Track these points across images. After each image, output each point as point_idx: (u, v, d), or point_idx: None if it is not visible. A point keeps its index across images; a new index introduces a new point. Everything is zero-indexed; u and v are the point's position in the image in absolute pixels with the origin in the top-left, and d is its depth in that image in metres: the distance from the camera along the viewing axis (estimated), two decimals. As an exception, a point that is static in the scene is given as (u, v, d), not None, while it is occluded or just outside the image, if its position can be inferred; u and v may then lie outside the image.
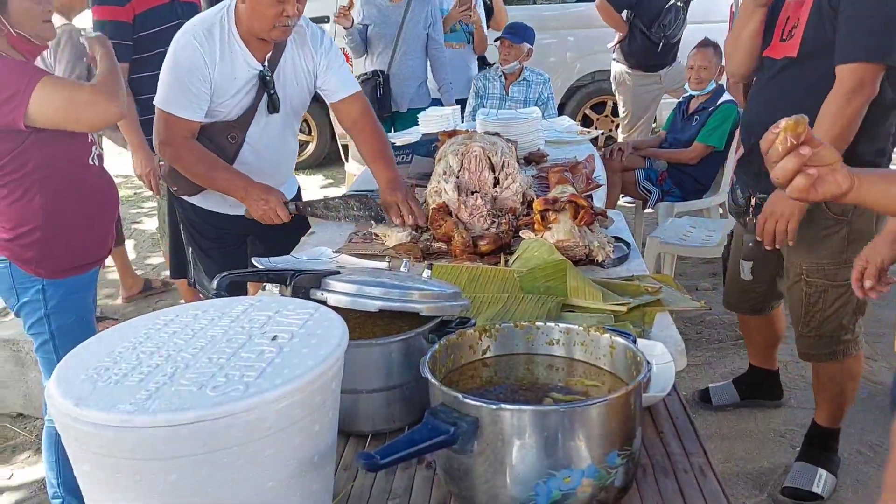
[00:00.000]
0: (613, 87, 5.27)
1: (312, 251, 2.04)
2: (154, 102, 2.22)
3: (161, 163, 2.34)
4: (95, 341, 0.98)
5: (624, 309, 1.65)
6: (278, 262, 1.94)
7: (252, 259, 1.96)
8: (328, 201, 2.24)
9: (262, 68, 2.23)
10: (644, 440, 1.17)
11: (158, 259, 4.83)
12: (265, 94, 2.27)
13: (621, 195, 4.31)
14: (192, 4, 3.38)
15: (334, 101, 2.40)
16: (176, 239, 2.64)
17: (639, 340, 1.40)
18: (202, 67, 2.14)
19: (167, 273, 4.42)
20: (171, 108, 2.17)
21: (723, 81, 4.04)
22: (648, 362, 1.04)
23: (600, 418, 0.95)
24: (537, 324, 1.20)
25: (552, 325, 1.20)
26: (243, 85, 2.23)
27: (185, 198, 2.39)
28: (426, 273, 1.53)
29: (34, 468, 2.80)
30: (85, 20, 3.59)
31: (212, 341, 0.96)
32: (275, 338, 0.96)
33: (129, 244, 5.30)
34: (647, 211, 4.34)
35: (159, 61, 2.25)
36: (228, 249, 2.46)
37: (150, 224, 5.34)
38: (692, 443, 1.17)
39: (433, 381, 1.01)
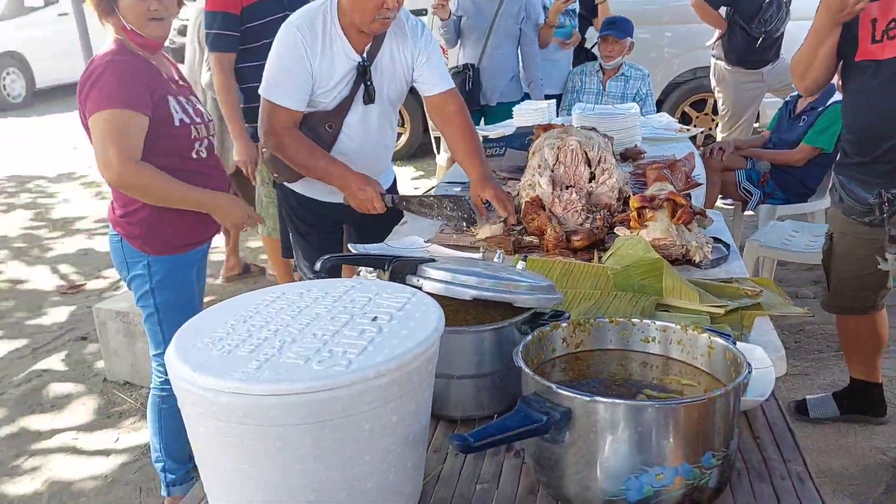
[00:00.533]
0: (713, 84, 5.11)
1: (405, 240, 2.08)
2: (259, 92, 2.31)
3: (264, 150, 2.43)
4: (210, 314, 1.04)
5: (721, 311, 1.61)
6: (372, 248, 1.99)
7: (349, 245, 2.02)
8: (423, 199, 2.29)
9: (360, 59, 2.28)
10: (739, 444, 1.14)
11: (256, 243, 5.03)
12: (362, 85, 2.32)
13: (719, 196, 4.18)
14: None
15: (429, 95, 2.43)
16: (285, 222, 2.75)
17: (738, 343, 1.36)
18: (304, 59, 2.21)
19: (264, 257, 4.61)
20: (274, 98, 2.25)
21: (834, 81, 3.85)
22: (749, 364, 1.02)
23: (696, 418, 0.94)
24: (633, 320, 1.19)
25: (648, 322, 1.19)
26: (342, 76, 2.28)
27: (286, 184, 2.48)
28: (520, 265, 1.54)
29: (138, 434, 2.98)
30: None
31: (316, 318, 1.00)
32: (375, 318, 0.99)
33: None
34: (746, 213, 4.19)
35: (265, 51, 2.33)
36: (325, 235, 2.53)
37: (250, 209, 5.56)
38: (790, 450, 1.13)
39: (526, 370, 1.02)
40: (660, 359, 1.17)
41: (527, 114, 3.64)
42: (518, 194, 2.31)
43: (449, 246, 2.10)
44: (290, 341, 0.94)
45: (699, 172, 2.80)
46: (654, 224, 1.91)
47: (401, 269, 1.26)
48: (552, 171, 2.28)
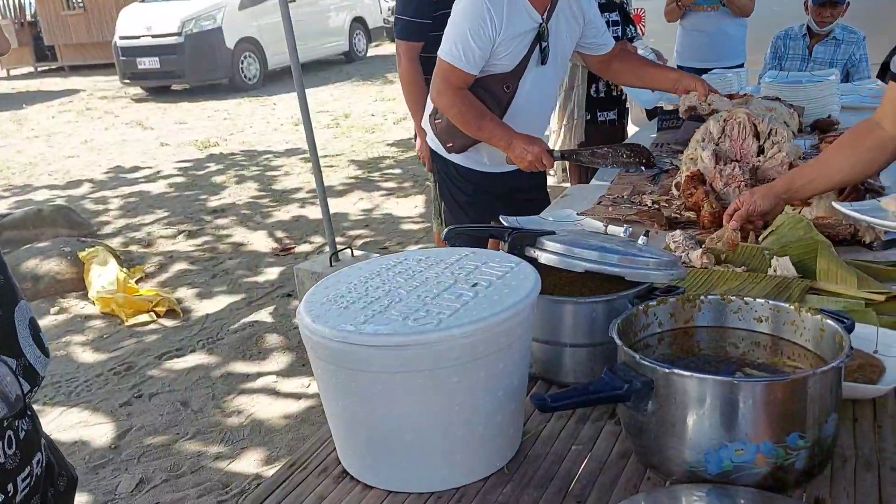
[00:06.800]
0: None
1: (558, 213, 2.13)
2: (438, 53, 2.35)
3: (438, 120, 2.52)
4: (339, 275, 1.20)
5: (881, 297, 1.50)
6: (525, 221, 2.07)
7: (500, 217, 2.11)
8: (595, 150, 2.29)
9: (542, 20, 2.34)
10: (857, 432, 1.10)
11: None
12: (538, 46, 2.38)
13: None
14: None
15: (591, 55, 2.58)
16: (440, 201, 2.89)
17: (882, 331, 1.28)
18: (487, 26, 2.26)
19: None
20: (453, 59, 2.30)
21: None
22: (851, 349, 0.98)
23: (781, 398, 0.93)
24: (746, 299, 1.18)
25: (762, 301, 1.17)
26: (522, 37, 2.34)
27: (447, 157, 2.59)
28: (642, 239, 1.55)
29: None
30: None
31: (424, 282, 1.12)
32: (475, 284, 1.09)
33: (419, 199, 5.91)
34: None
35: None
36: (482, 210, 2.61)
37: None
38: (911, 443, 1.07)
39: (617, 340, 1.06)
40: (770, 339, 1.15)
41: (713, 84, 3.47)
42: (679, 168, 2.27)
43: (604, 219, 2.12)
44: (397, 301, 1.07)
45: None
46: (819, 201, 1.81)
47: (520, 241, 1.34)
48: (717, 145, 2.20)
